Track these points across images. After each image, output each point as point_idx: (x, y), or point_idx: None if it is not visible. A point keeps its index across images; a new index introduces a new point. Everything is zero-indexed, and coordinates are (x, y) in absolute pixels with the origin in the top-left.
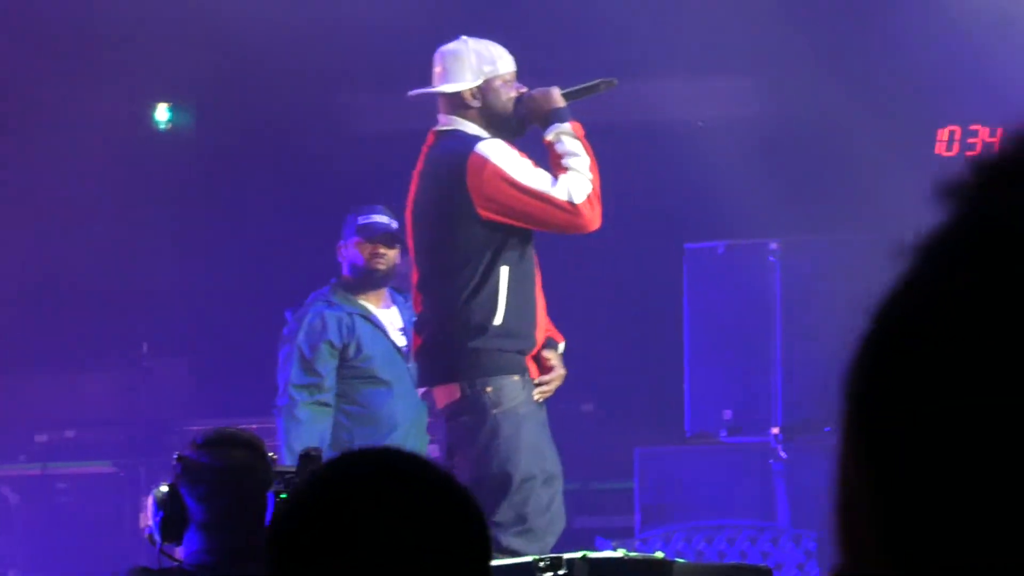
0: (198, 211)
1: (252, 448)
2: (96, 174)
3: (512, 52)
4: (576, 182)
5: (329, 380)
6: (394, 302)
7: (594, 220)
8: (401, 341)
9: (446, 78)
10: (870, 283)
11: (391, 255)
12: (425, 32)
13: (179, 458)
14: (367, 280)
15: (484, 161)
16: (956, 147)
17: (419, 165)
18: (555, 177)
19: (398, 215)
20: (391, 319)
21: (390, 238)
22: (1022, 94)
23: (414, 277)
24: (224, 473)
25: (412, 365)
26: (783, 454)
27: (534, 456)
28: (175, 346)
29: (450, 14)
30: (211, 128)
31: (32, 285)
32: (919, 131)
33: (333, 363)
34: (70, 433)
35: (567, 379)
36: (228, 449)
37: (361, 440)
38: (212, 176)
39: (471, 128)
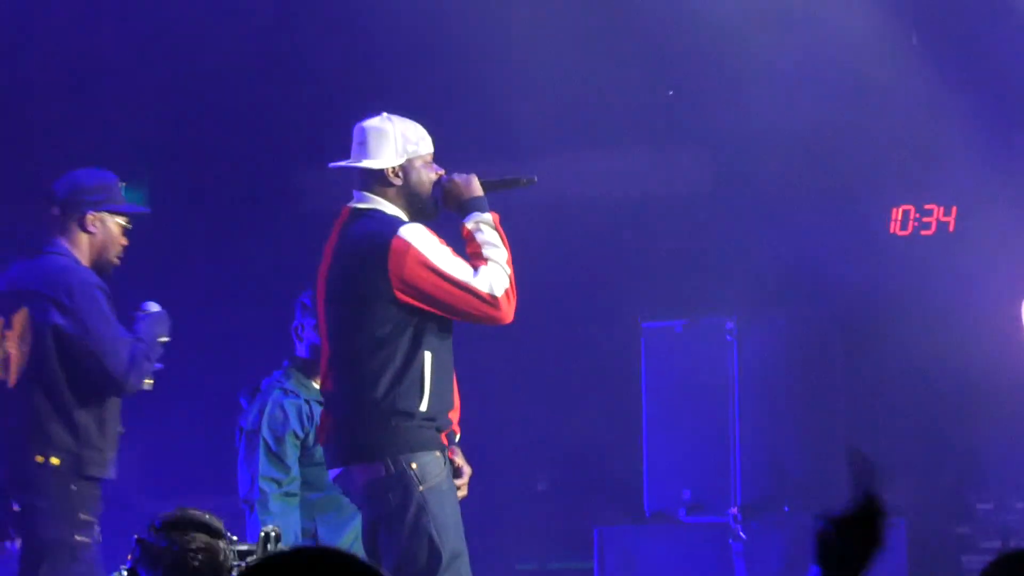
0: (153, 290)
1: (210, 530)
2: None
3: (445, 125)
4: (496, 274)
5: (295, 470)
6: None
7: (510, 313)
8: None
9: (368, 153)
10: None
11: None
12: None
13: (138, 540)
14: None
15: (407, 246)
16: (911, 226)
17: (333, 240)
18: (475, 268)
19: None
20: None
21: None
22: (975, 173)
23: (323, 355)
24: (183, 555)
25: None
26: (742, 534)
27: (458, 532)
28: (132, 424)
29: (397, 91)
30: (165, 206)
31: None
32: (874, 210)
33: (296, 453)
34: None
35: (522, 456)
36: (187, 531)
37: (326, 525)
38: (163, 254)
39: (389, 208)
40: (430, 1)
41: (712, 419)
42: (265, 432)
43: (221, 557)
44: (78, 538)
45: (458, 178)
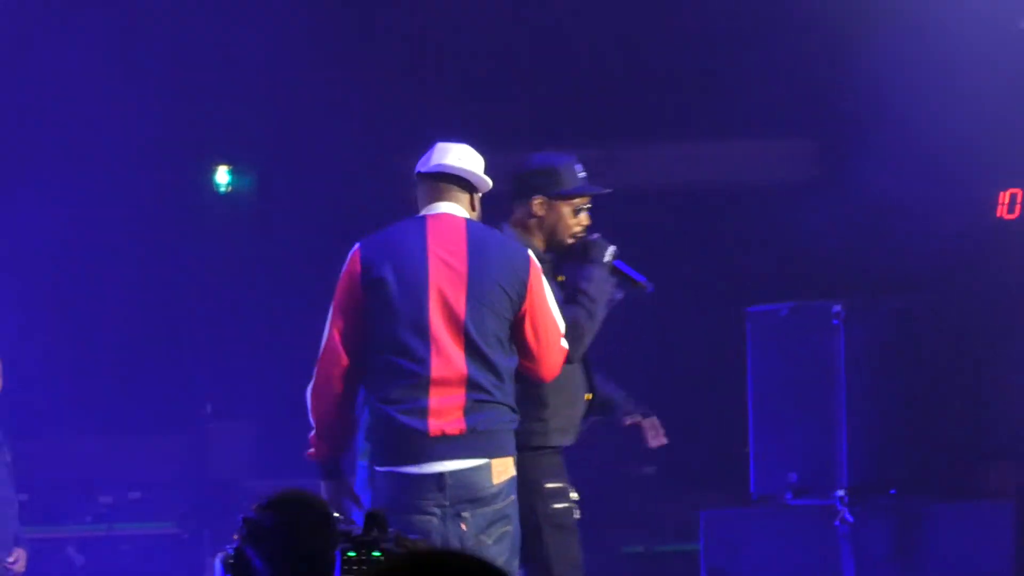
0: (259, 274)
1: (317, 509)
2: (159, 237)
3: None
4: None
5: None
6: None
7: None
8: None
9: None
10: (932, 345)
11: None
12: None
13: (244, 520)
14: None
15: (536, 267)
16: (1018, 210)
17: (465, 244)
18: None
19: None
20: None
21: None
22: None
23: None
24: (290, 534)
25: None
26: (849, 517)
27: None
28: (239, 407)
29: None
30: (271, 191)
31: (99, 347)
32: (980, 193)
33: None
34: (135, 494)
35: (629, 440)
36: (293, 510)
37: None
38: (272, 239)
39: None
40: None
41: (818, 402)
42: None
43: (327, 534)
44: None
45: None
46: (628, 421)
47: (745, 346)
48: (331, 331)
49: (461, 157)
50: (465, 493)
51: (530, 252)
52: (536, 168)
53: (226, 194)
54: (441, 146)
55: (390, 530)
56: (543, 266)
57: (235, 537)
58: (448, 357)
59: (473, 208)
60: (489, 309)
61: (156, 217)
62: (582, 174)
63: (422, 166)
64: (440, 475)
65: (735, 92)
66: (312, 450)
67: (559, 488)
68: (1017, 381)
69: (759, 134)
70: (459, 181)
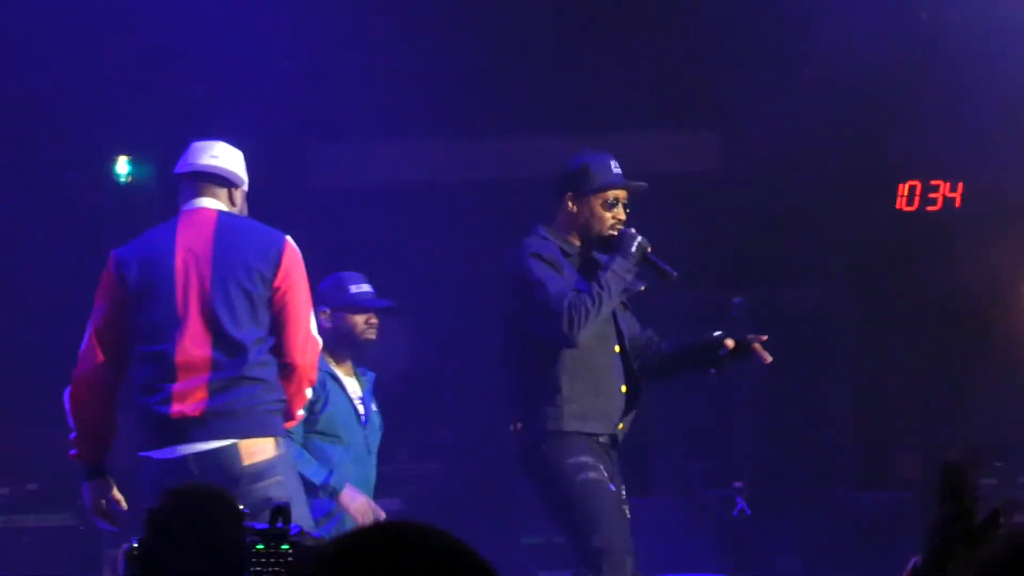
0: None
1: (225, 500)
2: (58, 228)
3: None
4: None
5: (298, 428)
6: (354, 373)
7: (310, 369)
8: (360, 409)
9: None
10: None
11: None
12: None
13: (150, 511)
14: (348, 348)
15: (294, 250)
16: (917, 202)
17: (212, 231)
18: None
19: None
20: (353, 388)
21: (380, 311)
22: (985, 149)
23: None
24: (199, 525)
25: (367, 432)
26: (747, 509)
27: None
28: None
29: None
30: (171, 180)
31: None
32: (879, 186)
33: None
34: (32, 486)
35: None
36: (202, 501)
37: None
38: None
39: None
40: None
41: (719, 394)
42: None
43: (234, 528)
44: None
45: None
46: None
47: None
48: (88, 333)
49: (217, 155)
50: (216, 476)
51: (288, 237)
52: (571, 167)
53: (126, 184)
54: (197, 146)
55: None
56: (569, 259)
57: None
58: (193, 340)
59: (233, 203)
60: (238, 288)
61: (55, 208)
62: (617, 170)
63: (179, 167)
64: (184, 458)
65: (639, 83)
66: (74, 452)
67: (583, 463)
68: (919, 371)
69: (663, 125)
70: (215, 178)
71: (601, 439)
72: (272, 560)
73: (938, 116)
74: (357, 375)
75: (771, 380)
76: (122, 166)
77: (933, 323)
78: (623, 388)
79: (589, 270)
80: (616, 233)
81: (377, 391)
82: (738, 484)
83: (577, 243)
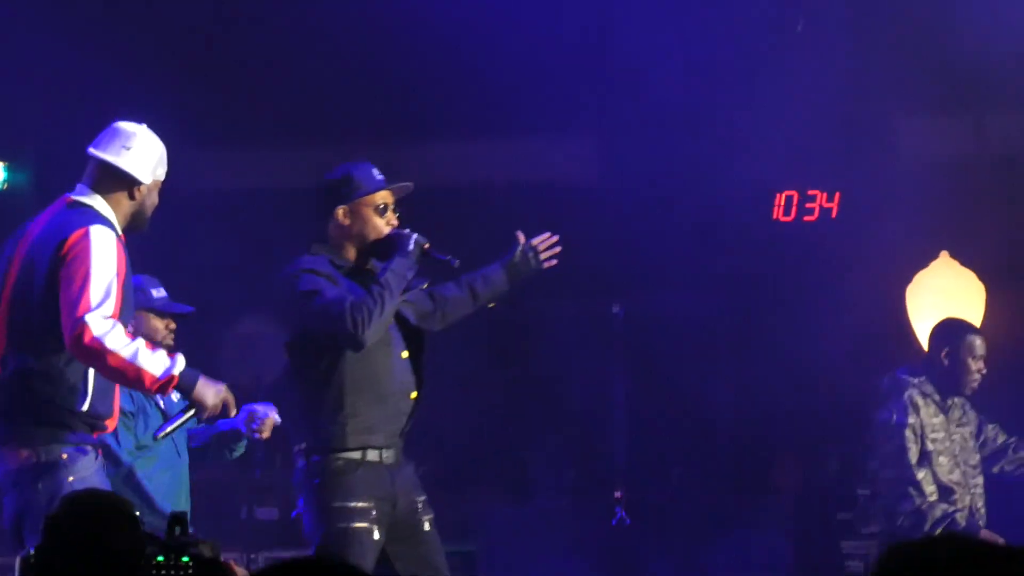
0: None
1: (122, 509)
2: None
3: None
4: (119, 337)
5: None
6: None
7: (83, 351)
8: (162, 415)
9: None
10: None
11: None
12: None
13: (47, 518)
14: None
15: (88, 235)
16: (794, 211)
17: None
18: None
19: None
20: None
21: (178, 316)
22: (867, 159)
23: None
24: (95, 534)
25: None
26: (626, 518)
27: None
28: None
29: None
30: (48, 186)
31: None
32: (757, 195)
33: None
34: None
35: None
36: (99, 509)
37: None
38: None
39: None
40: None
41: (598, 402)
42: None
43: (135, 537)
44: None
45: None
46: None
47: (528, 344)
48: None
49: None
50: None
51: (92, 227)
52: (331, 181)
53: (2, 191)
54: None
55: (191, 532)
56: (342, 272)
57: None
58: None
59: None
60: (28, 292)
61: None
62: (379, 176)
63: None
64: None
65: (516, 90)
66: None
67: (352, 508)
68: (796, 381)
69: (539, 132)
70: (98, 166)
71: (386, 457)
72: (172, 572)
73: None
74: None
75: (651, 385)
76: None
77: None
78: (412, 395)
79: (365, 281)
80: (388, 237)
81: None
82: (618, 493)
83: (351, 256)
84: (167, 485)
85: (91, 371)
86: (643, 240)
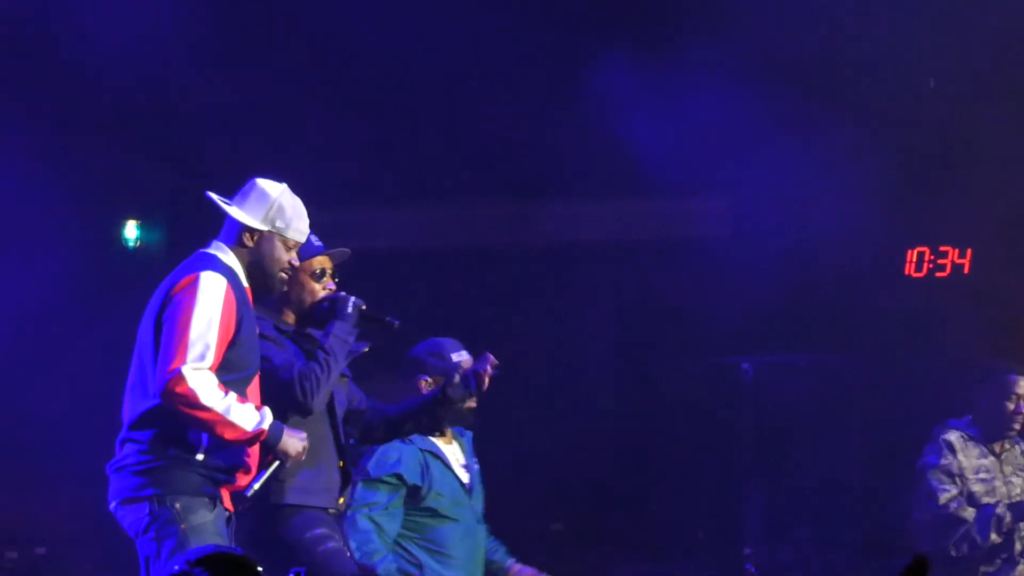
0: None
1: (244, 567)
2: (69, 293)
3: None
4: (212, 390)
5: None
6: (453, 437)
7: (170, 404)
8: (464, 477)
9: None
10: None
11: None
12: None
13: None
14: (451, 420)
15: (195, 284)
16: (926, 268)
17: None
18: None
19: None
20: (455, 455)
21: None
22: (993, 215)
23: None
24: None
25: (473, 499)
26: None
27: None
28: None
29: None
30: (180, 245)
31: (8, 401)
32: (887, 251)
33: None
34: (41, 550)
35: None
36: (227, 568)
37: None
38: None
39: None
40: None
41: (726, 459)
42: (371, 465)
43: None
44: None
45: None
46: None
47: (656, 401)
48: None
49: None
50: None
51: (203, 272)
52: None
53: (135, 249)
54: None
55: None
56: (292, 335)
57: None
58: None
59: (242, 244)
60: (143, 341)
61: (65, 273)
62: (318, 242)
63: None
64: None
65: (646, 151)
66: None
67: (320, 534)
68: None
69: (672, 191)
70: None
71: (330, 510)
72: None
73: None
74: (455, 437)
75: (780, 443)
76: (131, 230)
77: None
78: (340, 463)
79: (306, 345)
80: (327, 301)
81: (476, 448)
82: (748, 550)
83: (291, 320)
84: (466, 554)
85: None
86: (773, 297)
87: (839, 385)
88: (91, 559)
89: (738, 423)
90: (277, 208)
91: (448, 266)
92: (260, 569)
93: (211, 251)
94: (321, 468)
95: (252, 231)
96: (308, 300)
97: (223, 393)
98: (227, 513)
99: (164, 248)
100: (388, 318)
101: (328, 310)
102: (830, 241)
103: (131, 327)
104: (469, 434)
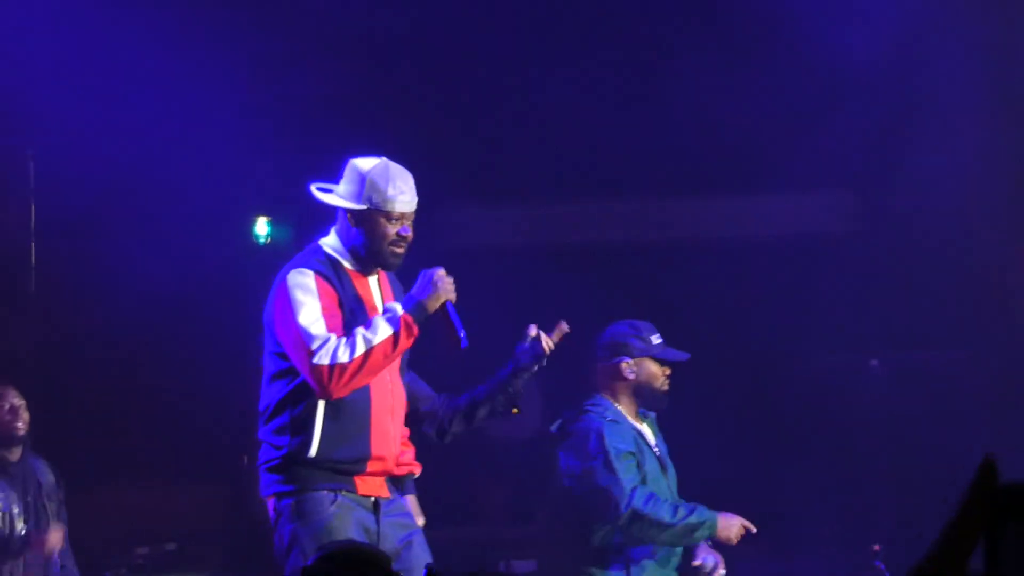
0: None
1: (379, 565)
2: (198, 289)
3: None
4: (341, 348)
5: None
6: (644, 420)
7: (328, 389)
8: (659, 459)
9: (340, 190)
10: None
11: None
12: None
13: (304, 570)
14: (640, 401)
15: (283, 286)
16: None
17: None
18: (335, 330)
19: None
20: (649, 436)
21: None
22: None
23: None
24: None
25: (668, 479)
26: (884, 570)
27: None
28: None
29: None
30: (310, 241)
31: (135, 397)
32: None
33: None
34: (171, 546)
35: None
36: (356, 564)
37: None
38: None
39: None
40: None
41: (857, 455)
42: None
43: None
44: None
45: (433, 275)
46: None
47: (783, 397)
48: None
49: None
50: None
51: (288, 273)
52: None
53: (265, 245)
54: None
55: None
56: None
57: None
58: None
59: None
60: (266, 338)
61: (194, 269)
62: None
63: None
64: None
65: (772, 144)
66: None
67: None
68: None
69: (797, 185)
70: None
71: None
72: None
73: None
74: (642, 418)
75: (908, 440)
76: (261, 227)
77: None
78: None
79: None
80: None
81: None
82: (876, 547)
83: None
84: None
85: (318, 417)
86: (902, 293)
87: (968, 384)
88: (220, 556)
89: (867, 419)
90: (370, 184)
91: (590, 263)
92: (390, 565)
93: (321, 240)
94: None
95: (352, 212)
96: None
97: (350, 339)
98: (369, 500)
99: (293, 244)
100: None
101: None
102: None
103: (259, 322)
104: (652, 415)
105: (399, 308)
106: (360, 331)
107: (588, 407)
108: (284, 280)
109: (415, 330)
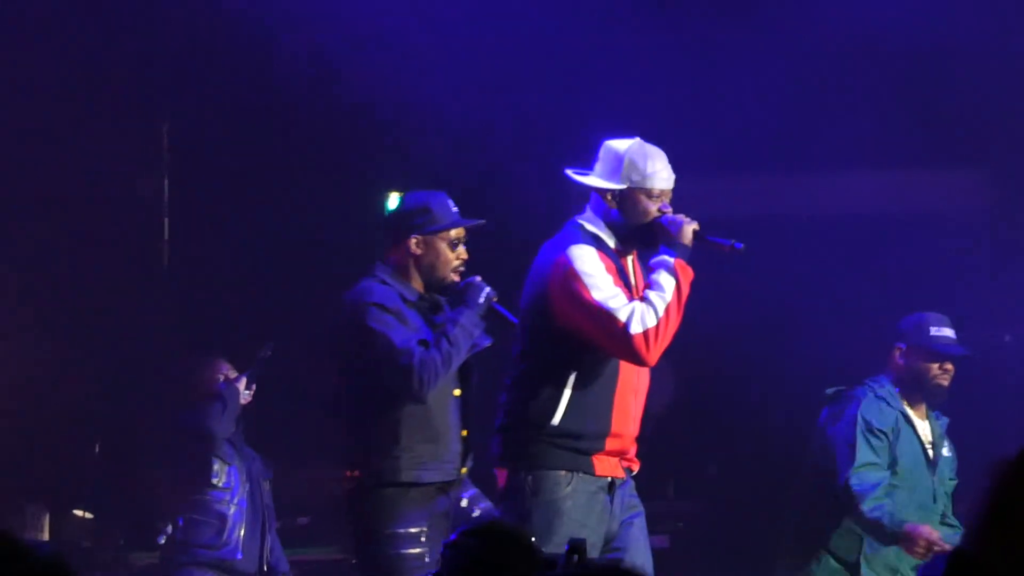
0: None
1: (523, 542)
2: (334, 258)
3: None
4: (644, 313)
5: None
6: (928, 417)
7: (648, 356)
8: (931, 454)
9: (597, 172)
10: None
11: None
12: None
13: (447, 546)
14: (918, 392)
15: (567, 264)
16: None
17: None
18: (629, 299)
19: None
20: (925, 431)
21: (955, 358)
22: None
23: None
24: (495, 565)
25: (936, 478)
26: None
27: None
28: None
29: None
30: None
31: (281, 377)
32: None
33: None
34: (303, 520)
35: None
36: (501, 541)
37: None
38: None
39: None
40: None
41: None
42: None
43: (533, 572)
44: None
45: (676, 219)
46: None
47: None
48: None
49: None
50: None
51: (569, 251)
52: (409, 208)
53: None
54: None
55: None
56: (409, 305)
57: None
58: None
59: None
60: (523, 316)
61: (334, 241)
62: (455, 208)
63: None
64: None
65: (907, 120)
66: None
67: (403, 535)
68: None
69: (928, 163)
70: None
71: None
72: None
73: None
74: (931, 418)
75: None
76: (393, 202)
77: None
78: (464, 432)
79: (432, 317)
80: (459, 281)
81: (952, 435)
82: None
83: (418, 287)
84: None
85: (567, 388)
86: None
87: None
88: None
89: (1000, 396)
90: (629, 163)
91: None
92: (533, 544)
93: (580, 220)
94: (440, 440)
95: (611, 192)
96: (442, 268)
97: (646, 303)
98: (605, 480)
99: None
100: (511, 316)
101: (458, 296)
102: None
103: None
104: (945, 420)
105: (667, 258)
106: (649, 293)
107: (868, 380)
108: (567, 260)
109: (689, 271)
